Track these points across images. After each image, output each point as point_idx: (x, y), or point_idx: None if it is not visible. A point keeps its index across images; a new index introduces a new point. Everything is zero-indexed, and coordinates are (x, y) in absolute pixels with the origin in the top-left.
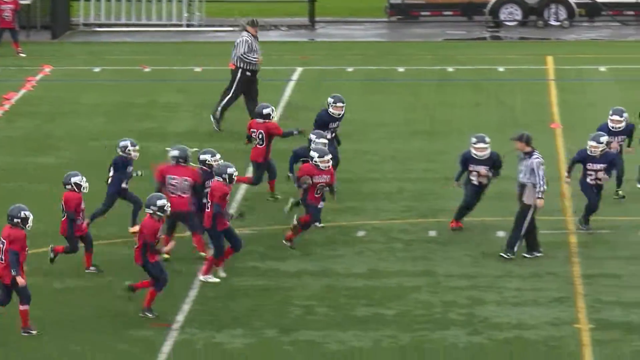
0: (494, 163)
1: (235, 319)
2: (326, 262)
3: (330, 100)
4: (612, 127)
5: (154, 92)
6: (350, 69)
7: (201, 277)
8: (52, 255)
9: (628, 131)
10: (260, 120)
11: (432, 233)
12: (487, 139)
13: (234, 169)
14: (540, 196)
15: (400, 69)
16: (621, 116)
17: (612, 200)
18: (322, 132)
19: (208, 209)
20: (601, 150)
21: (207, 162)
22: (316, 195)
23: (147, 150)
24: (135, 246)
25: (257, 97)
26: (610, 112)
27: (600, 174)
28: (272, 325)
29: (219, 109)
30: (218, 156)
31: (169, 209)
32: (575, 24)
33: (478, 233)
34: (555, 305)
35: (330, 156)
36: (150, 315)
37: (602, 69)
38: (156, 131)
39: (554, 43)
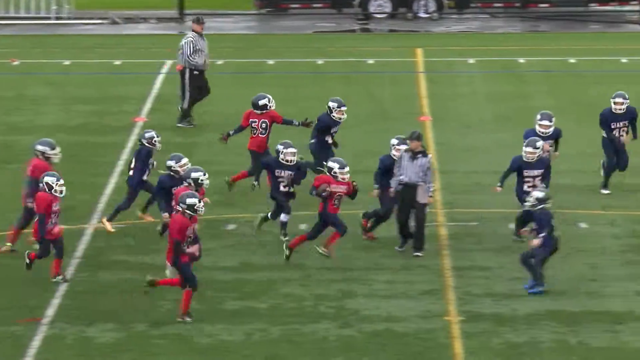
0: None
1: (105, 313)
2: None
3: (333, 104)
4: (541, 133)
5: (23, 85)
6: (220, 62)
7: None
8: (27, 260)
9: (555, 135)
10: (258, 112)
11: (303, 226)
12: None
13: (200, 174)
14: (432, 194)
15: (270, 62)
16: (550, 121)
17: (479, 191)
18: (289, 141)
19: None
20: (537, 156)
21: (172, 167)
22: (334, 206)
23: (15, 144)
24: (167, 247)
25: (207, 92)
26: (539, 117)
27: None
28: (142, 319)
29: (184, 111)
30: (185, 160)
31: (201, 208)
32: (445, 16)
33: (349, 226)
34: (425, 297)
35: (348, 168)
36: (189, 319)
37: (471, 61)
38: (25, 124)
39: (423, 35)
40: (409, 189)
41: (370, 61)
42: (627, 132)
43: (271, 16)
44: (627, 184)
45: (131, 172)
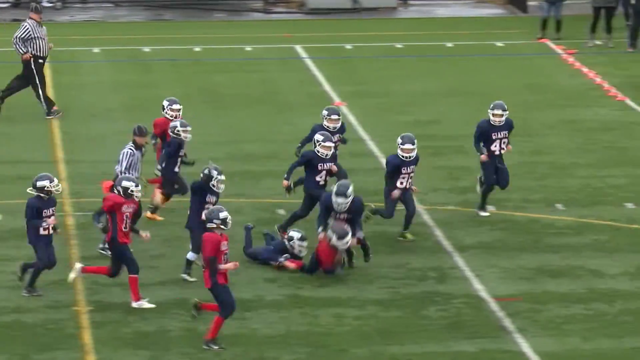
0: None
1: None
2: None
3: (324, 112)
4: (404, 157)
5: None
6: None
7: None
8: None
9: (416, 161)
10: None
11: None
12: (336, 137)
13: (131, 183)
14: None
15: None
16: (413, 144)
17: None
18: (217, 166)
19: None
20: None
21: (45, 188)
22: None
23: None
24: (203, 269)
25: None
26: (400, 141)
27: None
28: None
29: (42, 100)
30: (56, 181)
31: (231, 221)
32: (68, 5)
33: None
34: (54, 288)
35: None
36: (215, 347)
37: (96, 50)
38: None
39: (46, 24)
40: None
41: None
42: (507, 144)
43: None
44: (252, 171)
45: (162, 165)
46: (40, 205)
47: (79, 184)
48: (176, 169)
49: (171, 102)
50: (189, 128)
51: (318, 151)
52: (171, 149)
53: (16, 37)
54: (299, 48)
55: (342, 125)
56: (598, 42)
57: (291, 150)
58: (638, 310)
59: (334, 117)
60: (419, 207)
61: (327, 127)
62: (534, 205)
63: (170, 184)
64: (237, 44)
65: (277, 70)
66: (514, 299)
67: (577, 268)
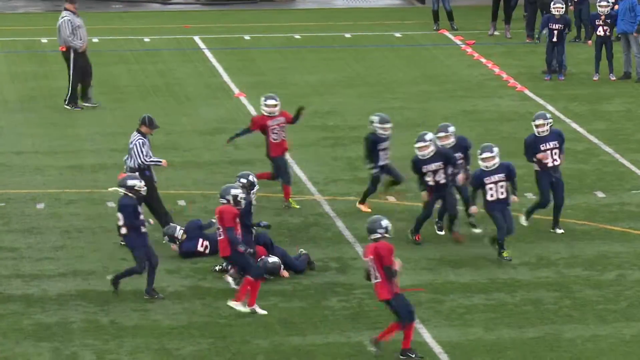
0: (448, 160)
1: None
2: None
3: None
4: (486, 167)
5: None
6: None
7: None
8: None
9: (503, 169)
10: None
11: None
12: (428, 137)
13: (238, 191)
14: None
15: None
16: (491, 152)
17: (5, 172)
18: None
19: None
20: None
21: (135, 187)
22: None
23: None
24: (377, 280)
25: (91, 72)
26: (478, 152)
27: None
28: None
29: (74, 93)
30: (142, 183)
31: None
32: None
33: None
34: None
35: None
36: (412, 356)
37: None
38: None
39: None
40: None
41: None
42: (559, 154)
43: None
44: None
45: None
46: (136, 204)
47: None
48: (381, 163)
49: (266, 98)
50: (386, 125)
51: (423, 155)
52: (367, 144)
53: (65, 36)
54: (197, 39)
55: (463, 141)
56: (496, 33)
57: (192, 141)
58: (538, 300)
59: (442, 134)
60: (320, 198)
61: (443, 145)
62: None
63: (375, 179)
64: (136, 35)
65: (176, 62)
66: (416, 290)
67: (479, 258)
